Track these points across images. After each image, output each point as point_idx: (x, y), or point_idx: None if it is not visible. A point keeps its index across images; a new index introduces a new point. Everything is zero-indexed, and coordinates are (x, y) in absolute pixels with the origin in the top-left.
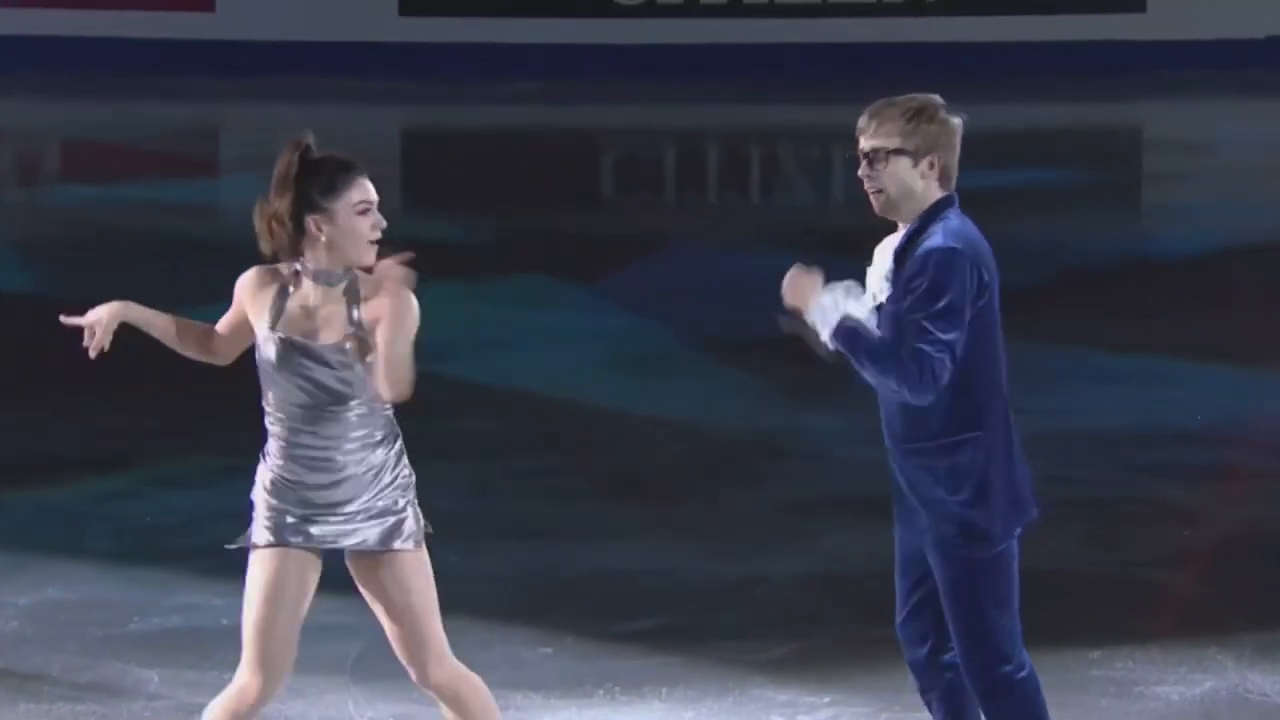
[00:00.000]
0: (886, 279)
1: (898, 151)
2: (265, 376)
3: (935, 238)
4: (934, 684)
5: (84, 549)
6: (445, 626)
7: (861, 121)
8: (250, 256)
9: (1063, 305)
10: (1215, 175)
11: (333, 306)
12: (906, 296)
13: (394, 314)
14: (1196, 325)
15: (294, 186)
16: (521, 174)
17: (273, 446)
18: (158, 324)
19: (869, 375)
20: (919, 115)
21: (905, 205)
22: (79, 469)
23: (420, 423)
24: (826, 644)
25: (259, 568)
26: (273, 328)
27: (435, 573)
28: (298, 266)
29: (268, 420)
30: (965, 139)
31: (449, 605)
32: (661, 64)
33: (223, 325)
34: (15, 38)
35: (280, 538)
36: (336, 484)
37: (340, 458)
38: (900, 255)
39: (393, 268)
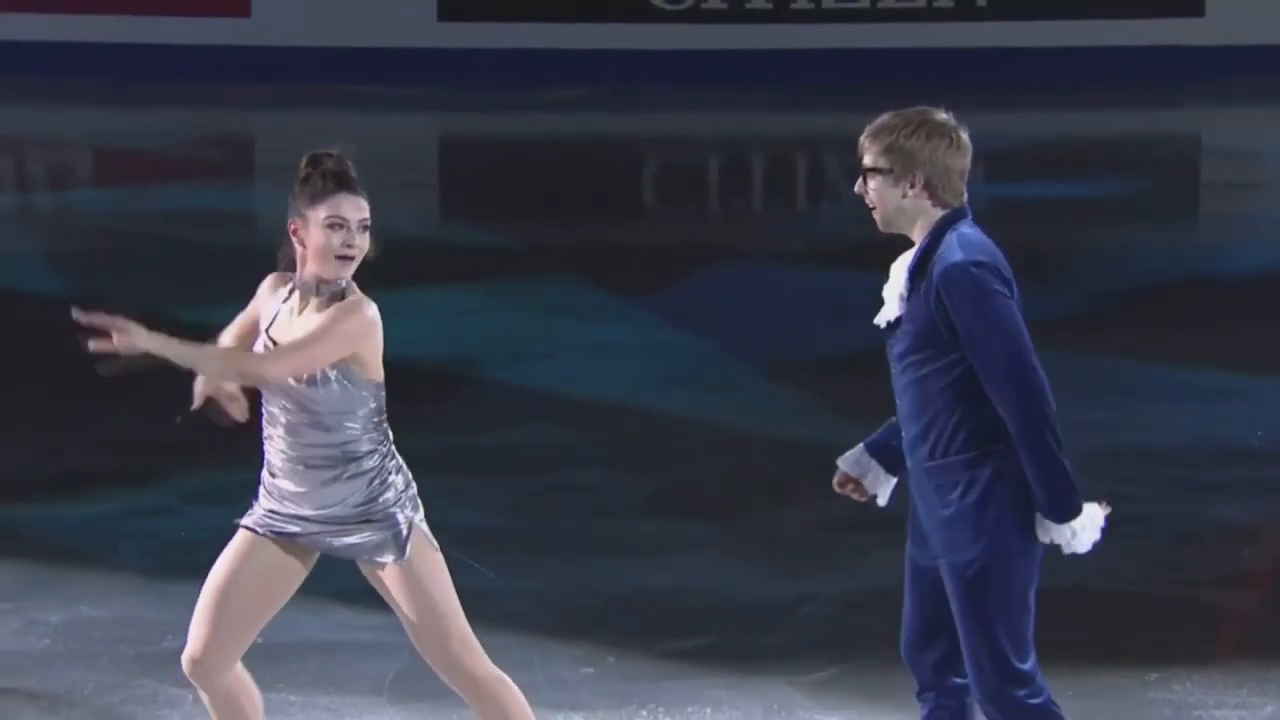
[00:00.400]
0: (902, 297)
1: (877, 170)
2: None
3: (953, 252)
4: (942, 710)
5: (117, 565)
6: (486, 646)
7: (862, 136)
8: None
9: (1119, 318)
10: (1275, 184)
11: (310, 318)
12: (938, 319)
13: (326, 325)
14: (1257, 339)
15: (292, 194)
16: (561, 183)
17: (266, 444)
18: (180, 351)
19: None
20: (900, 133)
21: (900, 222)
22: (111, 483)
23: (459, 436)
24: (875, 665)
25: (234, 543)
26: (266, 330)
27: (471, 590)
28: (294, 280)
29: (264, 417)
30: (1019, 148)
31: (488, 625)
32: (705, 70)
33: (235, 325)
34: (46, 44)
35: (261, 524)
36: (315, 491)
37: (319, 465)
38: (915, 271)
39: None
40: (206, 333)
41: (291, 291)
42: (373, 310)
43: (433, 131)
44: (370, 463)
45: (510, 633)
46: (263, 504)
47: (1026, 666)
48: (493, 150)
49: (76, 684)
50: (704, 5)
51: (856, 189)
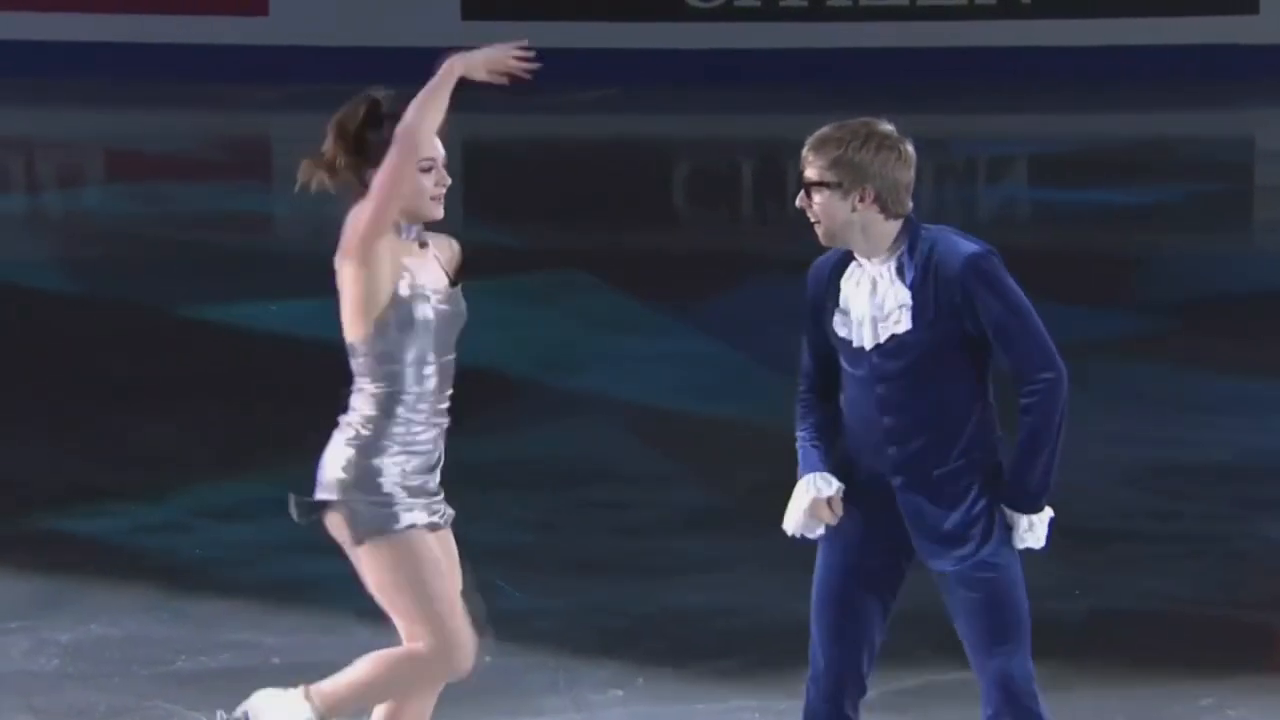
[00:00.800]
0: (905, 307)
1: (824, 184)
2: (416, 336)
3: (960, 246)
4: None
5: (130, 582)
6: (511, 667)
7: (804, 149)
8: (302, 267)
9: (1172, 327)
10: None
11: (430, 253)
12: (964, 317)
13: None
14: None
15: (356, 142)
16: (589, 187)
17: (414, 416)
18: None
19: (1033, 446)
20: (849, 146)
21: (848, 235)
22: (124, 498)
23: (488, 449)
24: (913, 686)
25: (422, 547)
26: (417, 286)
27: (499, 610)
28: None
29: (403, 393)
30: (1064, 152)
31: (515, 645)
32: (738, 70)
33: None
34: (56, 44)
35: (424, 519)
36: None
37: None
38: (918, 280)
39: None
40: (215, 332)
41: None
42: None
43: (456, 133)
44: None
45: (537, 653)
46: (409, 499)
47: (1030, 667)
48: (519, 153)
49: (87, 706)
50: (737, 3)
51: (798, 203)
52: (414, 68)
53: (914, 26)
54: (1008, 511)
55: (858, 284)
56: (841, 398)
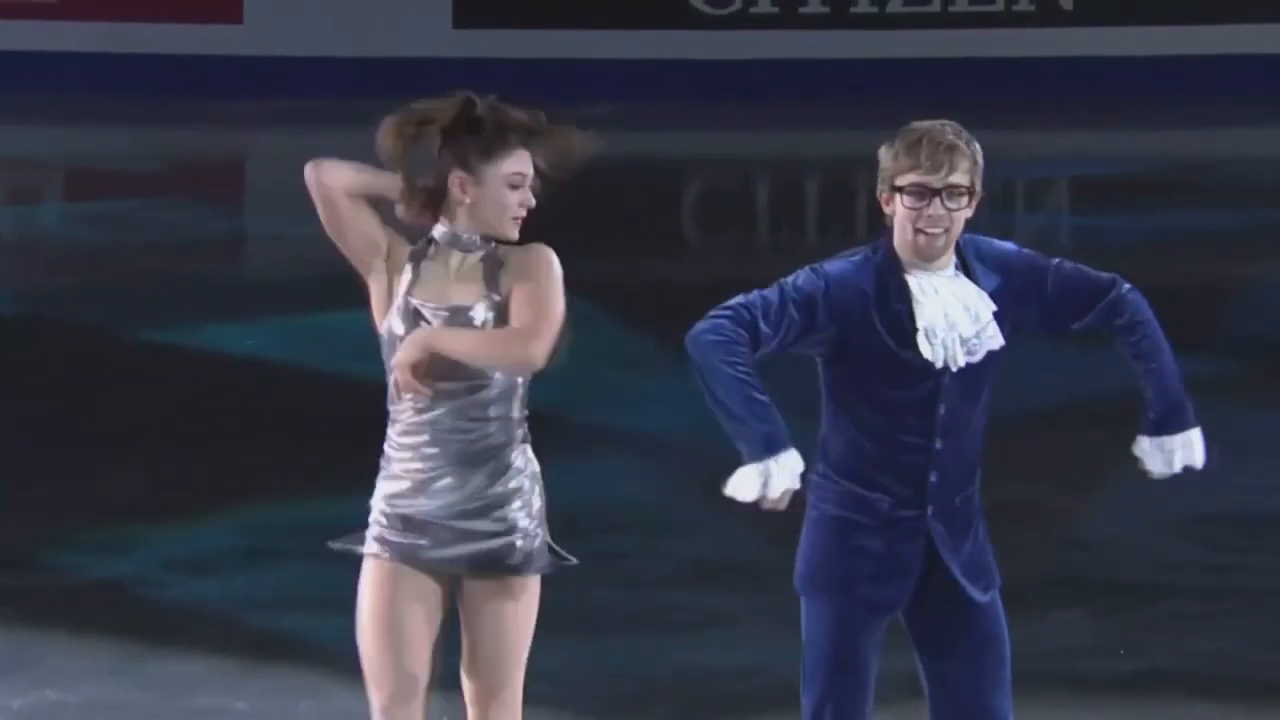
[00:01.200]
0: (991, 320)
1: (970, 191)
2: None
3: (997, 244)
4: None
5: (89, 643)
6: None
7: (923, 150)
8: (277, 296)
9: (1250, 366)
10: None
11: (469, 276)
12: (1037, 309)
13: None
14: None
15: (448, 142)
16: (592, 211)
17: (402, 440)
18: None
19: (1162, 355)
20: (971, 146)
21: (950, 246)
22: (87, 549)
23: None
24: None
25: (369, 575)
26: (407, 294)
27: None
28: (433, 232)
29: (392, 414)
30: (1112, 175)
31: None
32: (754, 82)
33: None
34: (19, 54)
35: (392, 549)
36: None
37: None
38: (991, 286)
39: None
40: (180, 362)
41: (429, 245)
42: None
43: None
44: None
45: (533, 718)
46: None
47: None
48: None
49: None
50: (752, 10)
51: (933, 211)
52: (401, 80)
53: (945, 35)
54: (1152, 441)
55: (929, 297)
56: (841, 421)
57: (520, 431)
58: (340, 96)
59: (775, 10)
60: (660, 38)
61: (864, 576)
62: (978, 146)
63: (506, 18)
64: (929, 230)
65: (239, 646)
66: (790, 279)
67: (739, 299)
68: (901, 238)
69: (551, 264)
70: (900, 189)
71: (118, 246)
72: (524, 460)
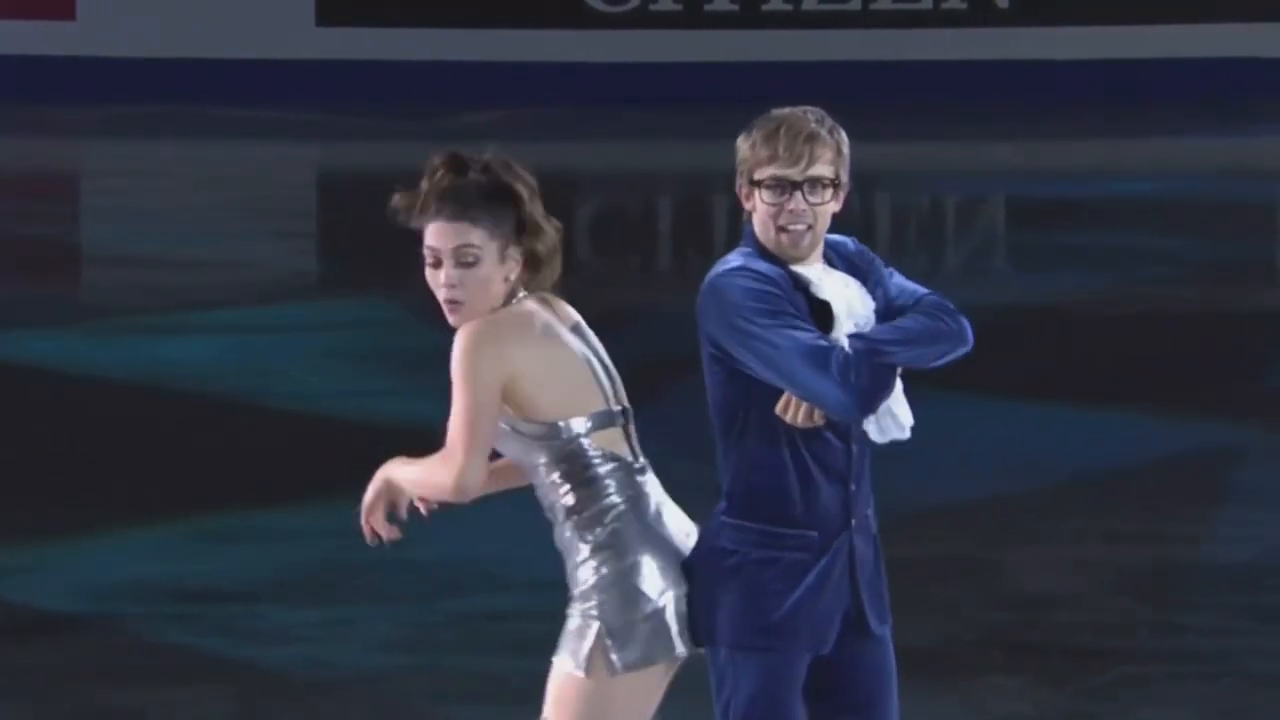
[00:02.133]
0: (870, 308)
1: (835, 183)
2: None
3: (845, 244)
4: None
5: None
6: None
7: (780, 141)
8: (129, 335)
9: (1263, 406)
10: None
11: None
12: (880, 286)
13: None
14: None
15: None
16: None
17: None
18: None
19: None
20: (835, 134)
21: (819, 241)
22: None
23: (340, 553)
24: None
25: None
26: None
27: None
28: None
29: None
30: (1133, 196)
31: None
32: (656, 88)
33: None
34: None
35: None
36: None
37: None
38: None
39: None
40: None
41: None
42: (490, 325)
43: (310, 165)
44: (570, 533)
45: None
46: None
47: None
48: (385, 189)
49: None
50: (653, 7)
51: (794, 206)
52: (257, 84)
53: (933, 34)
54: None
55: (823, 281)
56: (749, 447)
57: (571, 521)
58: (185, 102)
59: (678, 8)
60: (550, 38)
61: (805, 616)
62: (843, 135)
63: (376, 14)
64: (790, 227)
65: None
66: (749, 302)
67: (807, 344)
68: (764, 235)
69: (460, 360)
70: (759, 183)
71: None
72: (584, 557)
